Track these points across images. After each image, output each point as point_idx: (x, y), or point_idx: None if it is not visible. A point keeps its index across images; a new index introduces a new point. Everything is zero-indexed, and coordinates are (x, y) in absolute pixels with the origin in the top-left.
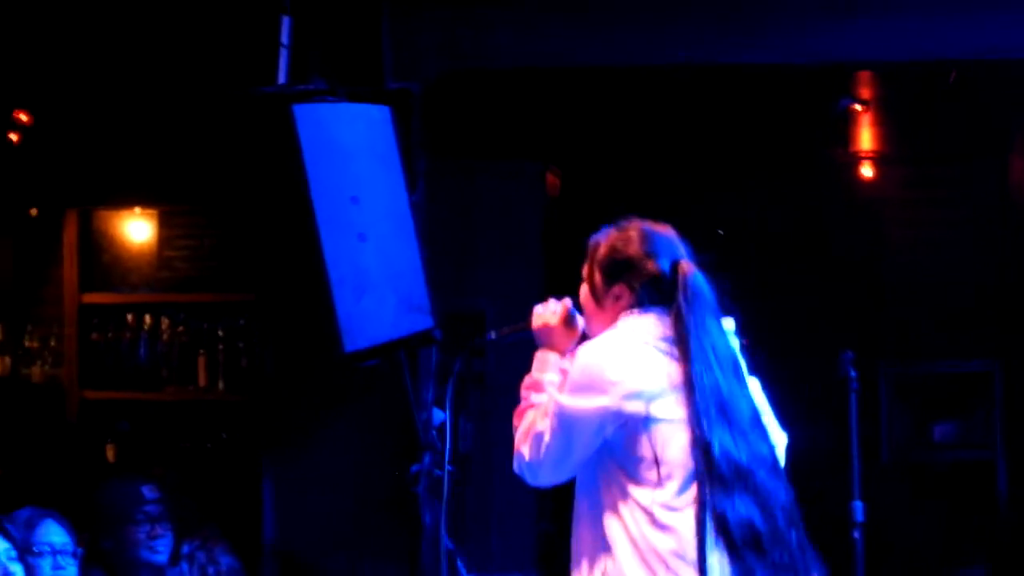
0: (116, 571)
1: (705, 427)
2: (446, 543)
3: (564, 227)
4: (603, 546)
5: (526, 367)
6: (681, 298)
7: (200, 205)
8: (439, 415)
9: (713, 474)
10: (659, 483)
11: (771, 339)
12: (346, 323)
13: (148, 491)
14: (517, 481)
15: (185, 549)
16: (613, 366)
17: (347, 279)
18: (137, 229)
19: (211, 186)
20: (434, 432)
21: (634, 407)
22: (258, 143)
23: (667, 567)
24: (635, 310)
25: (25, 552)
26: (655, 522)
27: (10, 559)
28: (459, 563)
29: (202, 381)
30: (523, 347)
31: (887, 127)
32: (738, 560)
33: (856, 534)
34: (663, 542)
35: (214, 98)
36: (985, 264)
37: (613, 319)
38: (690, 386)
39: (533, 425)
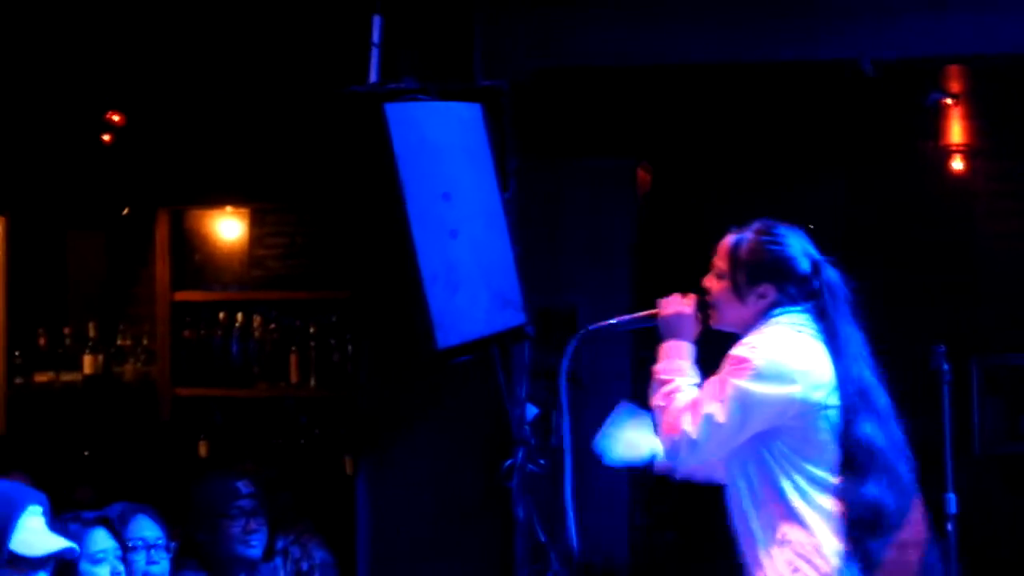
0: (211, 565)
1: (852, 415)
2: (540, 537)
3: (655, 223)
4: (789, 520)
5: (614, 364)
6: (826, 295)
7: (291, 203)
8: (532, 410)
9: (856, 459)
10: (825, 464)
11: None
12: (439, 319)
13: (243, 486)
14: (610, 476)
15: (279, 544)
16: (800, 358)
17: (439, 275)
18: (228, 227)
19: (301, 184)
20: (527, 428)
21: (817, 396)
22: (350, 142)
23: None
24: (785, 307)
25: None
26: (825, 496)
27: (117, 557)
28: (552, 557)
29: (294, 378)
30: (614, 343)
31: (978, 120)
32: (868, 538)
33: (949, 526)
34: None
35: (307, 97)
36: None
37: (755, 315)
38: (841, 377)
39: (699, 407)
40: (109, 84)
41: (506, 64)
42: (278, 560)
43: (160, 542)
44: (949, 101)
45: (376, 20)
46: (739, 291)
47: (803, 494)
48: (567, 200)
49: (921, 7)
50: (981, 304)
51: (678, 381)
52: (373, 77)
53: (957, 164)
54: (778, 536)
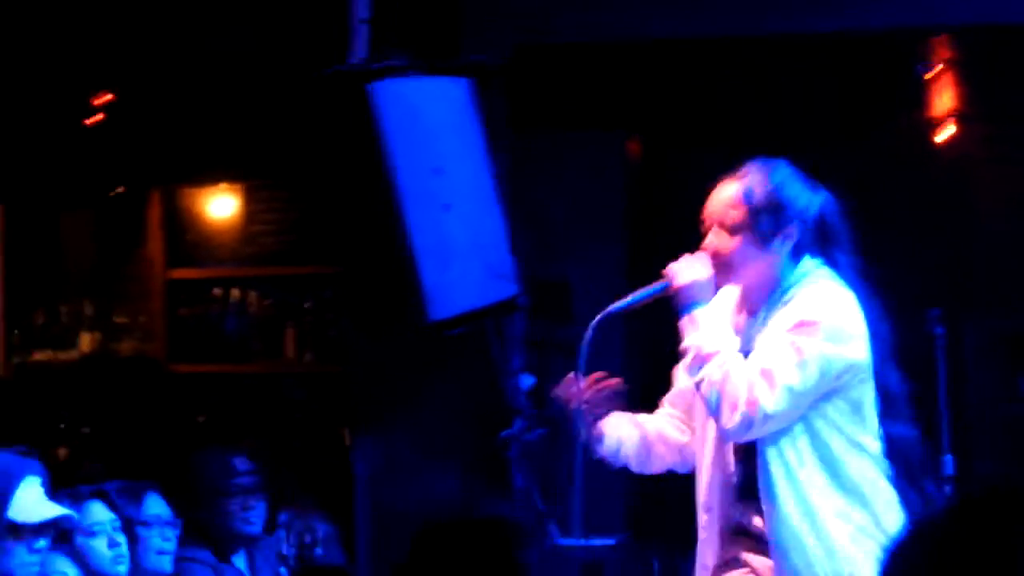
0: (211, 541)
1: (882, 367)
2: (539, 506)
3: (646, 194)
4: (846, 492)
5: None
6: (843, 239)
7: (283, 179)
8: (527, 380)
9: (891, 408)
10: (870, 428)
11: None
12: (432, 292)
13: (240, 463)
14: None
15: (282, 518)
16: (857, 316)
17: (432, 249)
18: (221, 205)
19: (293, 160)
20: (523, 397)
21: (867, 354)
22: (339, 119)
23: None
24: (807, 252)
25: (134, 523)
26: (871, 461)
27: (115, 529)
28: (551, 526)
29: (290, 353)
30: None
31: (967, 88)
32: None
33: (947, 489)
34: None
35: (295, 74)
36: None
37: (779, 263)
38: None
39: (773, 376)
40: (98, 64)
41: (495, 39)
42: (281, 533)
43: (171, 520)
44: (938, 68)
45: None
46: (764, 239)
47: (854, 462)
48: (558, 173)
49: None
50: (976, 267)
51: (725, 352)
52: (361, 53)
53: (949, 129)
54: (834, 509)
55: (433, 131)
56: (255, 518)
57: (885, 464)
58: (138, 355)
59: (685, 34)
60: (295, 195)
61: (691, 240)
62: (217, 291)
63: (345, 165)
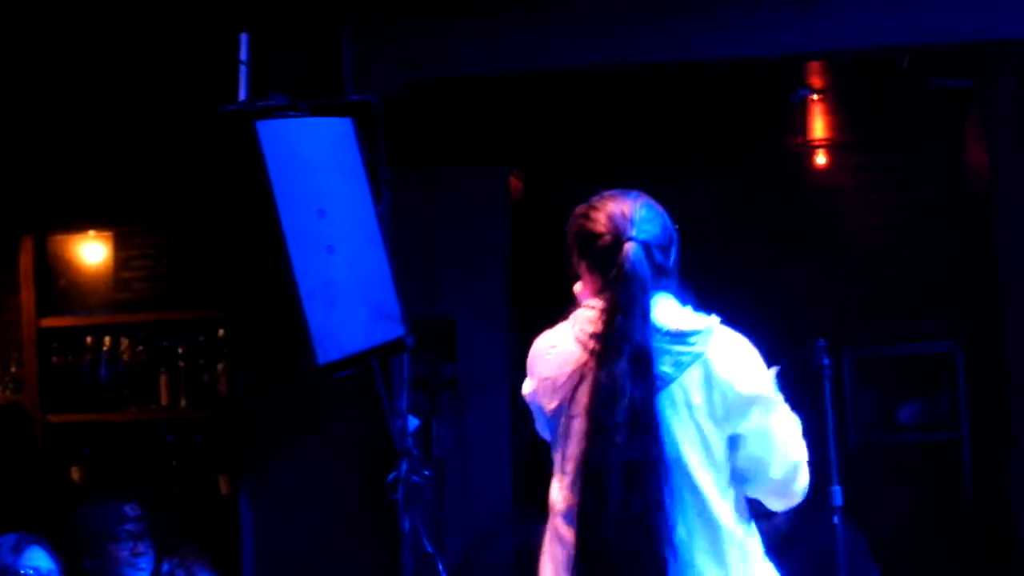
0: None
1: None
2: (427, 548)
3: (528, 229)
4: (747, 510)
5: (495, 370)
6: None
7: (155, 225)
8: (414, 422)
9: None
10: None
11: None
12: (319, 335)
13: (129, 509)
14: (493, 482)
15: (165, 567)
16: None
17: (317, 292)
18: (92, 252)
19: (165, 205)
20: (410, 439)
21: None
22: (222, 160)
23: None
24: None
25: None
26: None
27: None
28: (440, 567)
29: (164, 400)
30: (491, 349)
31: (842, 115)
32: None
33: (836, 519)
34: None
35: (176, 117)
36: (943, 247)
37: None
38: None
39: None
40: None
41: (377, 78)
42: None
43: (54, 572)
44: (815, 96)
45: (243, 38)
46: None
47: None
48: (441, 210)
49: (785, 5)
50: (851, 296)
51: None
52: (243, 95)
53: (821, 158)
54: (749, 525)
55: (317, 171)
56: (144, 564)
57: None
58: (10, 404)
59: (568, 64)
60: (166, 241)
61: (572, 276)
62: (89, 339)
63: (229, 208)
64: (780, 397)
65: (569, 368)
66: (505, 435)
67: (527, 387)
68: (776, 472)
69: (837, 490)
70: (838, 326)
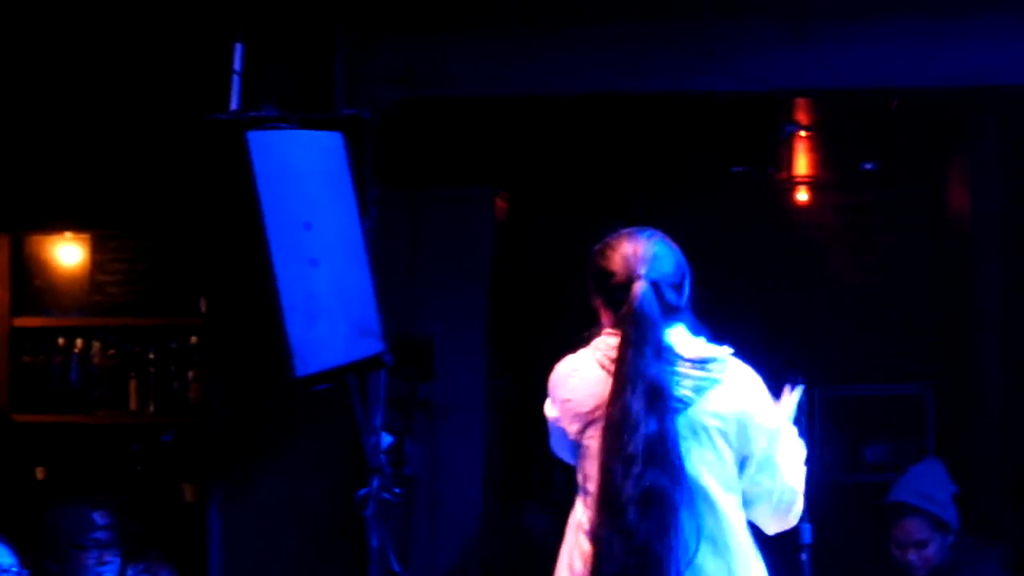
0: None
1: None
2: (394, 566)
3: (512, 251)
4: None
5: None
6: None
7: (132, 230)
8: (387, 439)
9: None
10: None
11: None
12: (298, 348)
13: (99, 517)
14: (463, 503)
15: (130, 573)
16: None
17: (299, 304)
18: (69, 253)
19: (144, 210)
20: (383, 456)
21: None
22: (208, 168)
23: None
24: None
25: None
26: None
27: None
28: None
29: (133, 405)
30: (468, 370)
31: (826, 152)
32: None
33: (804, 556)
34: None
35: (166, 124)
36: (919, 289)
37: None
38: None
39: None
40: None
41: (369, 94)
42: None
43: (13, 569)
44: (803, 133)
45: (237, 48)
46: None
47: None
48: (425, 228)
49: (778, 43)
50: (823, 335)
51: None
52: (234, 105)
53: (802, 195)
54: (756, 549)
55: (305, 184)
56: (110, 573)
57: None
58: None
59: (560, 90)
60: (143, 246)
61: (552, 299)
62: (61, 340)
63: (214, 216)
64: (790, 424)
65: (593, 391)
66: (478, 457)
67: (551, 411)
68: (779, 496)
69: (807, 528)
70: (810, 365)
